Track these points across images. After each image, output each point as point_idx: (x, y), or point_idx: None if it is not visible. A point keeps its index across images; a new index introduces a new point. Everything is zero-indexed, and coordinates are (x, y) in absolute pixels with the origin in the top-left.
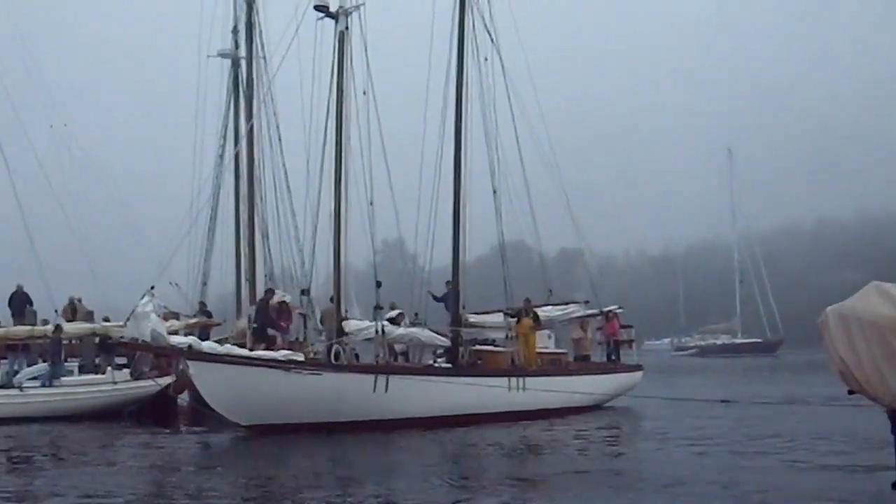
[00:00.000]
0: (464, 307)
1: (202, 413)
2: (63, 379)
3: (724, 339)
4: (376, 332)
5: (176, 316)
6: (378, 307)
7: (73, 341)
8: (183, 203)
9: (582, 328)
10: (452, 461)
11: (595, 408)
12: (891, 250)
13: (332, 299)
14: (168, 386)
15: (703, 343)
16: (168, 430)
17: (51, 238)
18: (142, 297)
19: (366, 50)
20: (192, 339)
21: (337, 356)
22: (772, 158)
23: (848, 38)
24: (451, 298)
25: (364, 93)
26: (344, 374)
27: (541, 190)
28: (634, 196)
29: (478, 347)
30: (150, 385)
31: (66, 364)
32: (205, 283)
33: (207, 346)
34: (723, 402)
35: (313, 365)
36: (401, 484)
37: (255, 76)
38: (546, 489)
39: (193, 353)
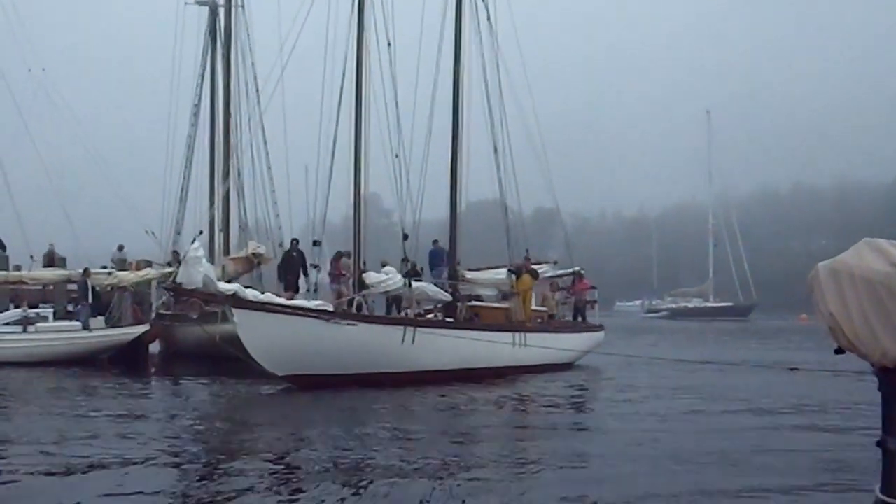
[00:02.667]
0: (459, 263)
1: (173, 362)
2: (38, 325)
3: (695, 303)
4: (405, 285)
5: (149, 264)
6: (405, 260)
7: (48, 287)
8: (159, 151)
9: (551, 288)
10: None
11: (569, 365)
12: (865, 218)
13: (338, 252)
14: (143, 334)
15: (674, 306)
16: (140, 378)
17: (27, 183)
18: (192, 242)
19: None
20: (236, 287)
21: (359, 308)
22: (750, 123)
23: (832, 6)
24: (437, 256)
25: (389, 45)
26: (378, 325)
27: (518, 149)
28: (612, 158)
29: (474, 303)
30: (125, 333)
31: (39, 310)
32: (178, 233)
33: (251, 294)
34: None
35: (351, 316)
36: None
37: (233, 24)
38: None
39: (238, 301)
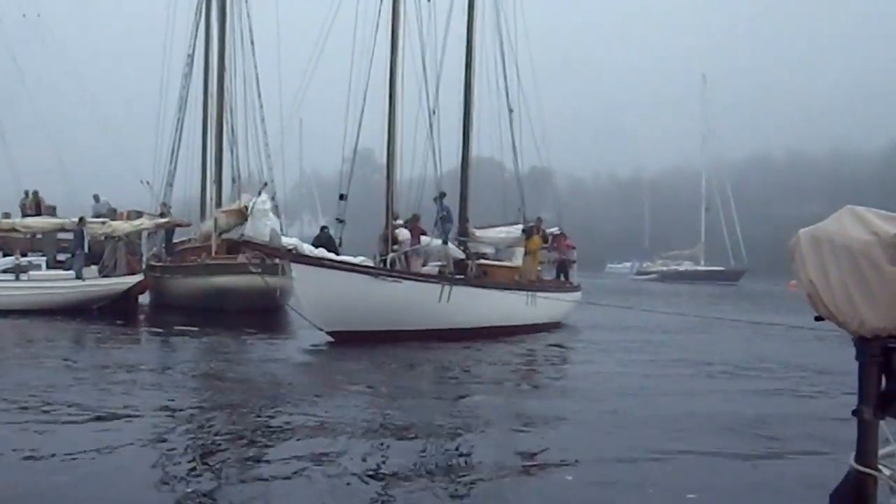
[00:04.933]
0: (468, 220)
1: (163, 313)
2: (31, 273)
3: (686, 266)
4: (443, 242)
5: (140, 214)
6: (442, 218)
7: (37, 236)
8: (153, 102)
9: None
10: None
11: (558, 324)
12: (858, 185)
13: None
14: (135, 285)
15: (664, 269)
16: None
17: (20, 129)
18: (259, 195)
19: None
20: (296, 241)
21: (393, 265)
22: (746, 89)
23: None
24: (441, 212)
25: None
26: (421, 283)
27: (514, 108)
28: (609, 119)
29: (482, 262)
30: (118, 283)
31: (31, 258)
32: (170, 185)
33: (308, 249)
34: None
35: (397, 273)
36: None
37: None
38: None
39: (296, 256)
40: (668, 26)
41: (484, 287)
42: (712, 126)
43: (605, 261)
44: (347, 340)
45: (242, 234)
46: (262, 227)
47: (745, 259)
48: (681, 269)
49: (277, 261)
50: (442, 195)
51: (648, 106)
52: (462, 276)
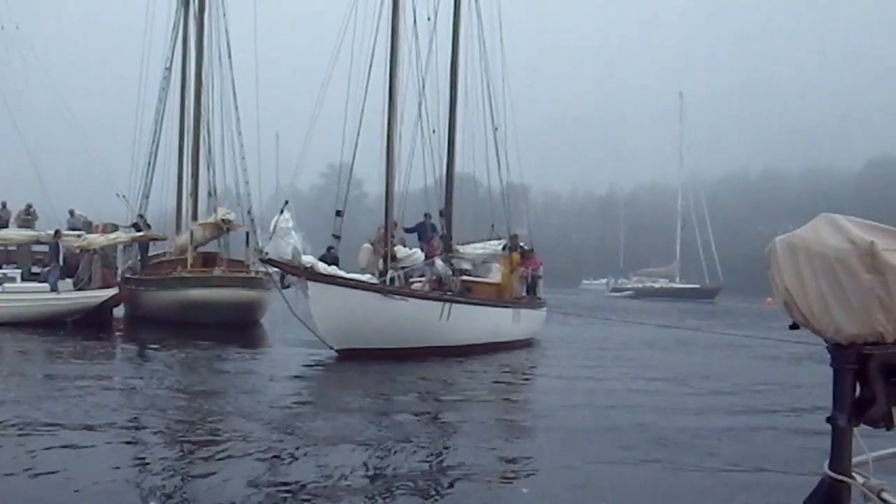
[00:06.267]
0: (450, 238)
1: (137, 326)
2: (5, 285)
3: (661, 283)
4: (444, 261)
5: (116, 227)
6: (443, 236)
7: (10, 248)
8: (129, 115)
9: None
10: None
11: (530, 340)
12: (834, 205)
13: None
14: (110, 298)
15: (639, 285)
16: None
17: None
18: (280, 213)
19: None
20: (312, 259)
21: (392, 282)
22: (723, 108)
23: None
24: (428, 230)
25: (428, 18)
26: (425, 301)
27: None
28: (586, 136)
29: (465, 278)
30: (93, 296)
31: (6, 270)
32: (146, 197)
33: (323, 267)
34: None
35: (403, 292)
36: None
37: None
38: None
39: (313, 274)
40: (646, 45)
41: (481, 304)
42: (689, 144)
43: (581, 277)
44: (352, 358)
45: (265, 253)
46: (284, 245)
47: (720, 277)
48: (656, 286)
49: (255, 275)
50: (429, 215)
51: (626, 123)
52: (457, 294)
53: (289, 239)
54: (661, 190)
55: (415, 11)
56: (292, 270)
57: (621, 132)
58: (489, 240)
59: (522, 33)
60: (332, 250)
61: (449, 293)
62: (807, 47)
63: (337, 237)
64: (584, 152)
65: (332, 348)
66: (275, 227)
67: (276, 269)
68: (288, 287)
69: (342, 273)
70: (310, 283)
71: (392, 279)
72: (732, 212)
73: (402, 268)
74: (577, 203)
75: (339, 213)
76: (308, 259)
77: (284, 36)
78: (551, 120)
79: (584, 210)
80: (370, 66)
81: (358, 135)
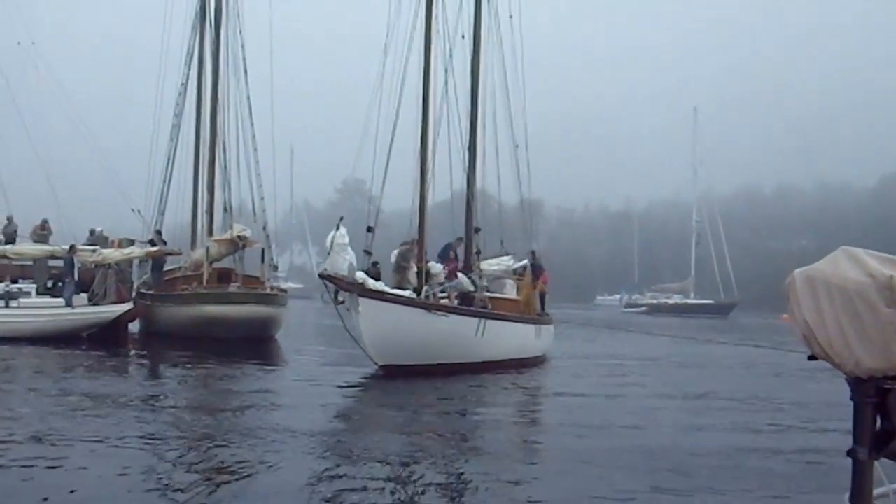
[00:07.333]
0: (478, 253)
1: (153, 341)
2: (21, 300)
3: (676, 299)
4: (479, 277)
5: (132, 242)
6: (477, 252)
7: (25, 263)
8: (146, 130)
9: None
10: None
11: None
12: (847, 220)
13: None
14: (125, 313)
15: (654, 301)
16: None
17: (12, 157)
18: (336, 228)
19: None
20: (362, 275)
21: (428, 299)
22: (737, 123)
23: (821, 9)
24: (450, 248)
25: (463, 37)
26: (464, 317)
27: (504, 140)
28: (600, 152)
29: (486, 294)
30: (108, 311)
31: (21, 285)
32: (162, 212)
33: (372, 284)
34: None
35: (445, 308)
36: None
37: (223, 4)
38: None
39: (365, 290)
40: (661, 59)
41: (511, 321)
42: (703, 159)
43: (595, 292)
44: (395, 374)
45: (324, 269)
46: (340, 261)
47: (735, 292)
48: (671, 302)
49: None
50: (460, 240)
51: (640, 138)
52: (485, 310)
53: (345, 255)
54: (676, 205)
55: (448, 31)
56: (348, 286)
57: (635, 147)
58: (499, 256)
59: (536, 50)
60: (377, 265)
61: (483, 309)
62: (821, 63)
63: (368, 253)
64: (598, 167)
65: (376, 364)
66: (332, 242)
67: (331, 285)
68: (342, 303)
69: (388, 289)
70: (361, 299)
71: (428, 296)
72: (746, 227)
73: (440, 284)
74: (591, 218)
75: (370, 230)
76: (360, 275)
77: (298, 51)
78: (563, 133)
79: (597, 225)
80: (402, 83)
81: (390, 151)
